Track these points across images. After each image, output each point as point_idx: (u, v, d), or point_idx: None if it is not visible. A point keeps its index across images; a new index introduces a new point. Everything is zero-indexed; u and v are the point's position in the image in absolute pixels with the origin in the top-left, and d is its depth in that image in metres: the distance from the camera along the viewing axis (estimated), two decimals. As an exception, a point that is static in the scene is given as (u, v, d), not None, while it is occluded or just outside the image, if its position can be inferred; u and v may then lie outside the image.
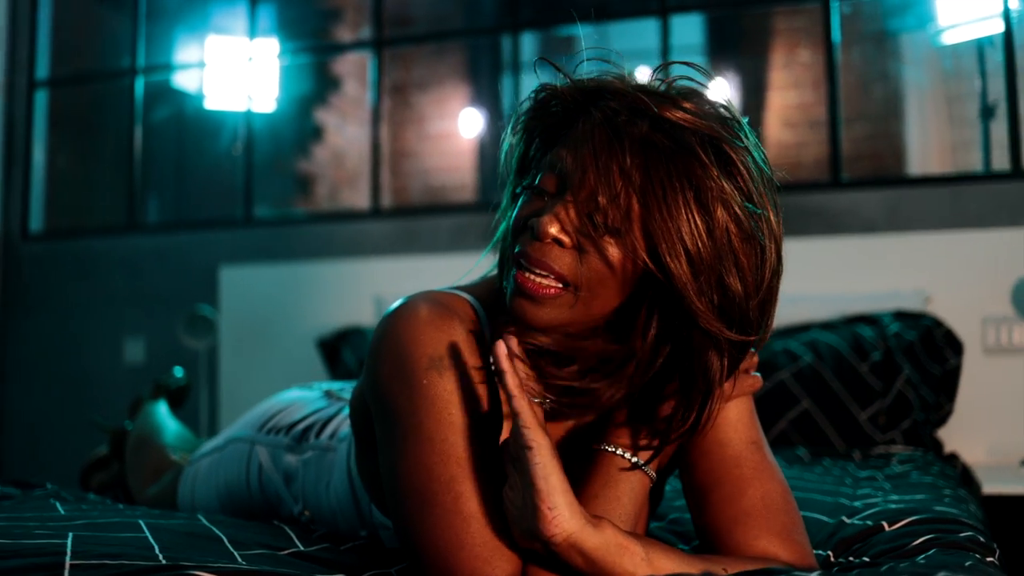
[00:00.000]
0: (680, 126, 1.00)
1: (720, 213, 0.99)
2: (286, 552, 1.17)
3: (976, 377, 3.04)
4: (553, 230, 1.00)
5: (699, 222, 0.98)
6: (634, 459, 1.10)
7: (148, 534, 1.18)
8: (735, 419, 1.16)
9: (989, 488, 2.53)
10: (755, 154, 1.05)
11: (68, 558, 1.01)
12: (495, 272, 1.19)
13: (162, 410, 2.35)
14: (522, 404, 0.95)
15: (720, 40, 4.94)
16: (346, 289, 3.77)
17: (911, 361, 2.75)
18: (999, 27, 3.37)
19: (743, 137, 1.05)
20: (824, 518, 1.53)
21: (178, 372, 2.67)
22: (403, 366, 1.05)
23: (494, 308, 1.16)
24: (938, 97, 4.10)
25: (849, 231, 3.34)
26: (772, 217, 1.05)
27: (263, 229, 4.17)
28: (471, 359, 1.07)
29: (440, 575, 0.99)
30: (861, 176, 3.57)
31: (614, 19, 3.84)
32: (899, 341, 2.78)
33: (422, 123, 5.38)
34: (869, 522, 1.45)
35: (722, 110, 1.05)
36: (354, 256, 3.87)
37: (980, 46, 3.67)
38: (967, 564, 1.11)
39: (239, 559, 1.10)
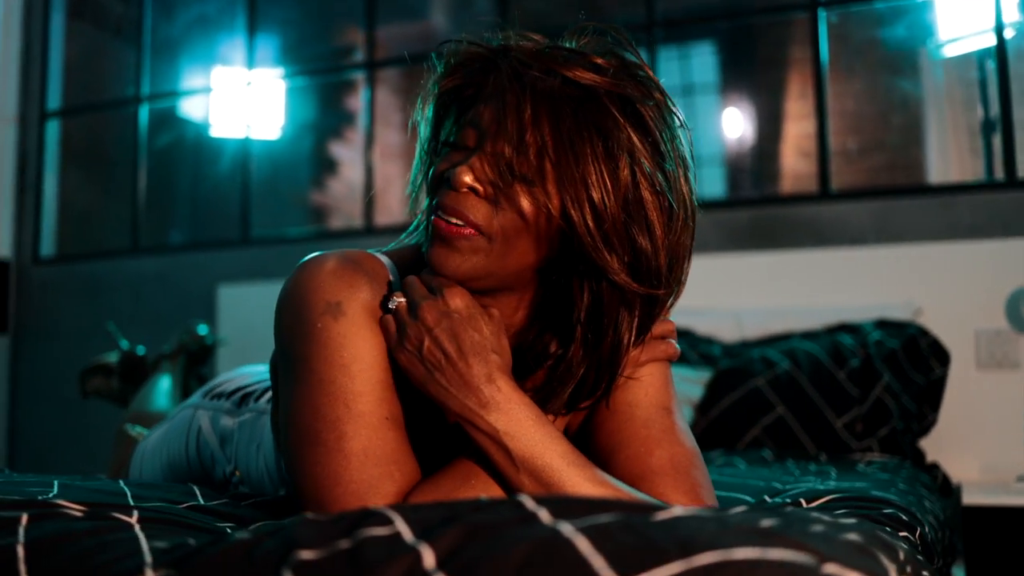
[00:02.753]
0: (591, 82, 1.02)
1: (626, 165, 1.01)
2: (184, 505, 1.18)
3: (969, 392, 2.98)
4: (468, 179, 1.02)
5: (605, 172, 1.00)
6: None
7: (56, 490, 1.18)
8: (647, 383, 1.16)
9: (974, 499, 2.48)
10: (667, 118, 1.07)
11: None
12: (415, 239, 1.20)
13: (163, 387, 2.33)
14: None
15: (735, 70, 4.91)
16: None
17: (892, 369, 2.70)
18: (993, 40, 3.34)
19: (666, 101, 1.07)
20: (745, 497, 1.52)
21: (202, 330, 2.56)
22: (300, 312, 1.06)
23: (410, 270, 1.16)
24: (954, 111, 4.03)
25: (838, 243, 3.31)
26: (683, 175, 1.07)
27: (259, 249, 4.24)
28: (371, 310, 1.07)
29: (315, 509, 0.99)
30: (850, 187, 3.52)
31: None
32: (880, 349, 2.73)
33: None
34: (788, 500, 1.43)
35: (639, 72, 1.07)
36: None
37: (980, 58, 3.61)
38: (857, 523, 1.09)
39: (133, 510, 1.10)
